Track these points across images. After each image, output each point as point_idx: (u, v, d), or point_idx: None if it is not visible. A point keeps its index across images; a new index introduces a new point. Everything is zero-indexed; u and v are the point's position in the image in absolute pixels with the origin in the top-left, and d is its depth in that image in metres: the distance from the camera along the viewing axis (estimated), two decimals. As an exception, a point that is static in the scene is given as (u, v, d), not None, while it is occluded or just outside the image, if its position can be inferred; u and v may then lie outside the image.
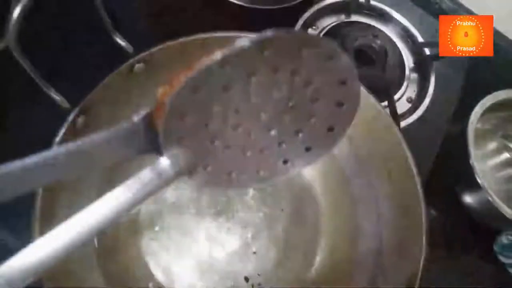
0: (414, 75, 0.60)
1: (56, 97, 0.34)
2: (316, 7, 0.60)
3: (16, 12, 0.28)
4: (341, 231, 0.44)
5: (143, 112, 0.23)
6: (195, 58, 0.43)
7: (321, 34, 0.58)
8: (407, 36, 0.62)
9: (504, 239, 0.52)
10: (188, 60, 0.43)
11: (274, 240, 0.44)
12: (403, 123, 0.55)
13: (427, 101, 0.57)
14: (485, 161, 0.60)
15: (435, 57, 0.59)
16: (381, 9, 0.62)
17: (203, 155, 0.25)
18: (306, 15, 0.59)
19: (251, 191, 0.46)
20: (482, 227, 0.54)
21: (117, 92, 0.38)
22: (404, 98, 0.57)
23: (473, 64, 0.63)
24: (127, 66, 0.37)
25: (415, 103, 0.57)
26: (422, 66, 0.60)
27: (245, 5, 0.58)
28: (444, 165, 0.55)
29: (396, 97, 0.56)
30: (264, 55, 0.21)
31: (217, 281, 0.42)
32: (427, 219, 0.35)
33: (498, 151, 0.61)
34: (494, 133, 0.60)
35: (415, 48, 0.61)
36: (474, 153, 0.51)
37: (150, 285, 0.41)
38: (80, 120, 0.35)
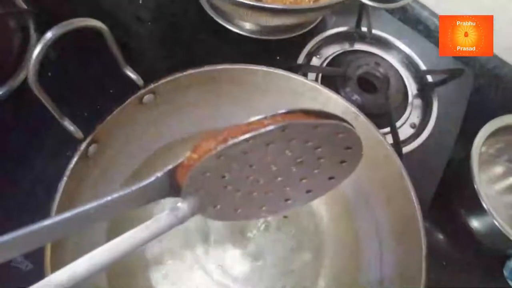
0: (418, 101, 0.61)
1: (70, 127, 0.35)
2: (320, 36, 0.62)
3: (37, 50, 0.30)
4: (344, 257, 0.44)
5: (167, 168, 0.27)
6: (200, 89, 0.45)
7: (325, 63, 0.60)
8: (409, 63, 0.63)
9: (513, 263, 0.52)
10: (194, 90, 0.45)
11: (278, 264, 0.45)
12: (406, 148, 0.56)
13: (430, 126, 0.58)
14: (491, 185, 0.60)
15: (438, 83, 0.60)
16: (383, 38, 0.64)
17: (216, 198, 0.29)
18: (311, 44, 0.61)
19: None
20: (490, 250, 0.53)
21: (126, 121, 0.40)
22: (408, 124, 0.58)
23: (476, 89, 0.64)
24: (137, 97, 0.39)
25: (419, 129, 0.58)
26: (425, 92, 0.61)
27: (253, 36, 0.60)
28: (450, 190, 0.56)
29: (399, 123, 0.57)
30: (284, 132, 0.24)
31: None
32: (426, 244, 0.35)
33: (504, 176, 0.61)
34: (499, 158, 0.60)
35: (418, 75, 0.62)
36: (479, 177, 0.51)
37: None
38: (92, 149, 0.37)
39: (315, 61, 0.60)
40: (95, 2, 0.59)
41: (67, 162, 0.35)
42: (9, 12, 0.51)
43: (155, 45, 0.59)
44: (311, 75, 0.58)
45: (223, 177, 0.27)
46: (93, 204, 0.26)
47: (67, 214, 0.25)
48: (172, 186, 0.28)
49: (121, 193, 0.27)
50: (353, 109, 0.41)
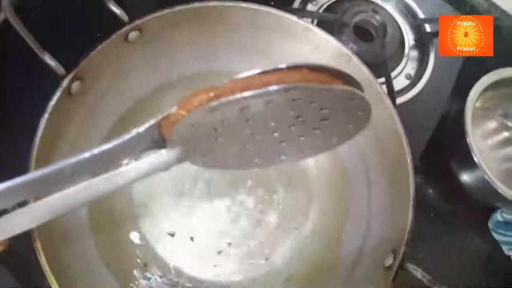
0: (414, 52, 0.59)
1: (51, 62, 0.34)
2: (316, -18, 0.60)
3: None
4: (333, 198, 0.45)
5: (151, 122, 0.26)
6: (190, 28, 0.43)
7: (321, 9, 0.58)
8: (407, 12, 0.61)
9: (498, 216, 0.53)
10: (183, 28, 0.43)
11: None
12: (401, 99, 0.55)
13: (426, 78, 0.57)
14: (484, 140, 0.60)
15: (436, 33, 0.58)
16: (382, -15, 0.61)
17: (206, 149, 0.27)
18: (307, -10, 0.59)
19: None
20: (478, 204, 0.54)
21: (112, 60, 0.39)
22: (403, 74, 0.57)
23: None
24: (121, 34, 0.37)
25: (414, 80, 0.57)
26: (422, 43, 0.59)
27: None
28: (442, 143, 0.55)
29: (395, 73, 0.56)
30: (288, 93, 0.22)
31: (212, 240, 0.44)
32: (414, 189, 0.35)
33: (498, 130, 0.60)
34: (494, 112, 0.60)
35: (416, 24, 0.60)
36: (472, 131, 0.50)
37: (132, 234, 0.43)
38: (75, 86, 0.36)
39: (311, 8, 0.58)
40: None
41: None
42: None
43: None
44: (306, 21, 0.55)
45: (215, 129, 0.25)
46: (74, 159, 0.25)
47: (46, 170, 0.24)
48: (157, 139, 0.27)
49: (102, 148, 0.25)
50: (346, 51, 0.39)
